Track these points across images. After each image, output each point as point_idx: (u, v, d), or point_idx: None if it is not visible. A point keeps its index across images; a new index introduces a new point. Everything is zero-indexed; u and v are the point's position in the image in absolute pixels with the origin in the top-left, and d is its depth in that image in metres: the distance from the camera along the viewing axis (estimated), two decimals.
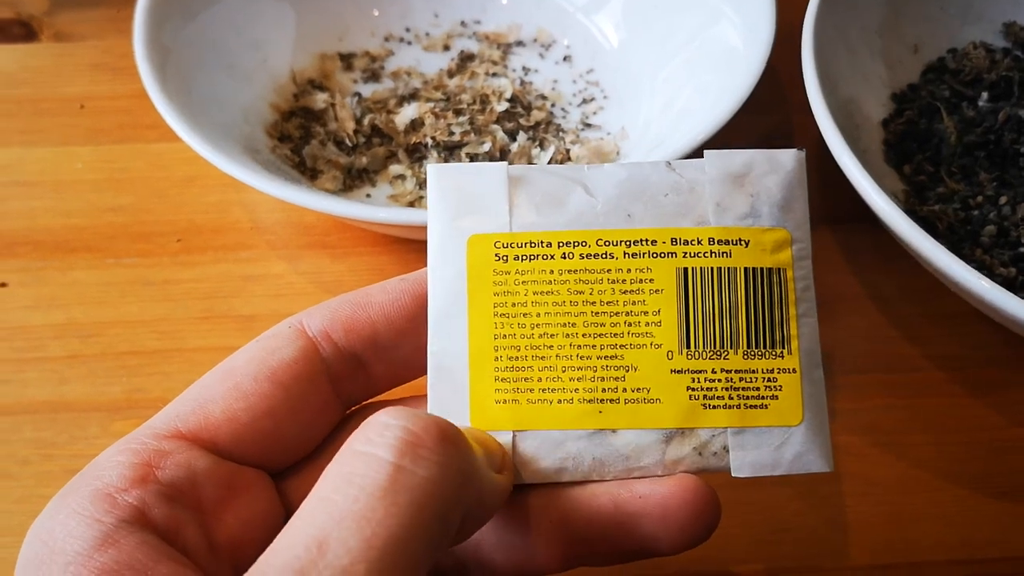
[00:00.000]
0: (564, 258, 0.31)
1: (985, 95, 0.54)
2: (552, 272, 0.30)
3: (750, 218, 0.31)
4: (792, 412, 0.30)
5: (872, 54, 0.56)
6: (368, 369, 0.32)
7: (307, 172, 0.55)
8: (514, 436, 0.30)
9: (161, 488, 0.27)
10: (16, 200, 0.56)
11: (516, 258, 0.31)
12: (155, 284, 0.52)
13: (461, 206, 0.31)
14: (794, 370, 0.30)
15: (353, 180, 0.56)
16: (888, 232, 0.44)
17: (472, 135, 0.57)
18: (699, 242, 0.30)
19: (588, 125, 0.59)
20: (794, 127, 0.59)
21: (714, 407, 0.30)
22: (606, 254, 0.30)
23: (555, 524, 0.30)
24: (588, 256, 0.31)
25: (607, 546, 0.30)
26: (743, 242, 0.30)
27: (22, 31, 0.65)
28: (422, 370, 0.32)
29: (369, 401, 0.33)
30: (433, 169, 0.32)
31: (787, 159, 0.31)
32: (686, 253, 0.30)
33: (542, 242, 0.31)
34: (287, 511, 0.30)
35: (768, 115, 0.59)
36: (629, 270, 0.30)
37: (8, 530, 0.43)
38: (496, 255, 0.31)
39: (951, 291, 0.44)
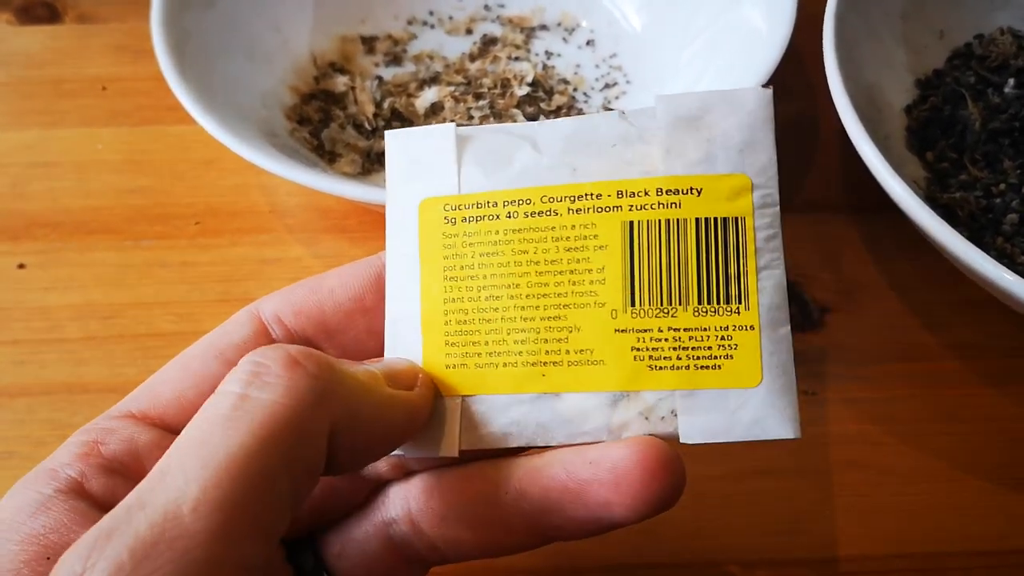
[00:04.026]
0: (509, 217, 0.30)
1: (1011, 82, 0.53)
2: (497, 232, 0.30)
3: (704, 164, 0.29)
4: (749, 373, 0.28)
5: (896, 39, 0.55)
6: (320, 351, 0.32)
7: (326, 155, 0.55)
8: (463, 401, 0.30)
9: (102, 461, 0.29)
10: (37, 181, 0.56)
11: (464, 220, 0.30)
12: (173, 266, 0.52)
13: (413, 170, 0.31)
14: (752, 327, 0.28)
15: (372, 164, 0.56)
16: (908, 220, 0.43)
17: (492, 119, 0.57)
18: (646, 193, 0.29)
19: (609, 110, 0.59)
20: (819, 113, 0.59)
21: (660, 368, 0.28)
22: (550, 211, 0.29)
23: (513, 497, 0.29)
24: (532, 214, 0.30)
25: (562, 517, 0.29)
26: (695, 191, 0.29)
27: (46, 12, 0.65)
28: (374, 353, 0.32)
29: None
30: (388, 135, 0.32)
31: (749, 98, 0.29)
32: (632, 206, 0.29)
33: (488, 202, 0.30)
34: None
35: (793, 101, 0.59)
36: (573, 227, 0.29)
37: None
38: (445, 218, 0.30)
39: (971, 279, 0.43)
